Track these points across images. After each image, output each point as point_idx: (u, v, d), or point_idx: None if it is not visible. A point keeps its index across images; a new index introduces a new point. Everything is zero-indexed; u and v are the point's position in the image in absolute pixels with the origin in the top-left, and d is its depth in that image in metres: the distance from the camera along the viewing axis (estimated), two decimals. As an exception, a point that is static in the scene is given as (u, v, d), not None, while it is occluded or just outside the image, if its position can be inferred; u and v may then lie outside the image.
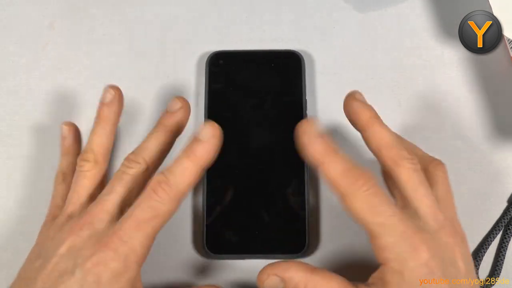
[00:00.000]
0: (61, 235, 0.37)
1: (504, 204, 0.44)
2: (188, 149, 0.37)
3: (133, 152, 0.39)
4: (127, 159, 0.39)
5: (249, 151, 0.44)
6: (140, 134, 0.46)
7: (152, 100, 0.47)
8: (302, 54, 0.47)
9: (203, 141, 0.37)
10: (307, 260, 0.43)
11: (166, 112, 0.41)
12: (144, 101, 0.47)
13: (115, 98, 0.42)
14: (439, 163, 0.39)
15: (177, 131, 0.41)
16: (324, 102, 0.47)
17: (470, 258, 0.36)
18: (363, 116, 0.38)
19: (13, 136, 0.47)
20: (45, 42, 0.49)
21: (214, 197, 0.43)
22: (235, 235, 0.42)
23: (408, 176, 0.36)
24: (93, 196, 0.39)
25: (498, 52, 0.46)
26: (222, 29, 0.49)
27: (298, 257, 0.42)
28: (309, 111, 0.45)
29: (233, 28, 0.49)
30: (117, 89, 0.42)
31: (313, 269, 0.36)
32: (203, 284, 0.42)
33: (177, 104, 0.41)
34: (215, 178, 0.44)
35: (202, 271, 0.43)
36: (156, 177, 0.36)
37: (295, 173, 0.43)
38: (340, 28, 0.49)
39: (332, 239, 0.43)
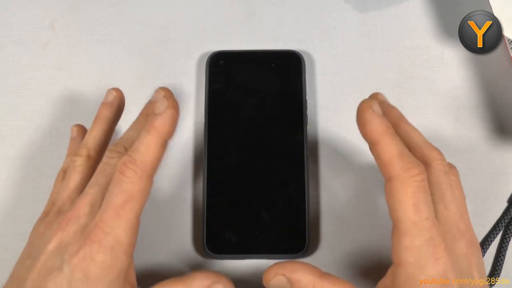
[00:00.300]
0: (50, 232, 0.36)
1: (504, 204, 0.44)
2: (147, 125, 0.37)
3: (114, 143, 0.39)
4: (108, 150, 0.38)
5: (249, 151, 0.44)
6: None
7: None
8: (302, 54, 0.47)
9: (159, 113, 0.37)
10: (307, 260, 0.43)
11: (148, 103, 0.41)
12: (144, 101, 0.47)
13: (115, 99, 0.42)
14: (451, 167, 0.38)
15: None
16: (324, 102, 0.47)
17: (484, 268, 0.35)
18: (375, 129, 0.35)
19: (13, 136, 0.47)
20: (45, 42, 0.49)
21: (214, 197, 0.43)
22: (235, 235, 0.42)
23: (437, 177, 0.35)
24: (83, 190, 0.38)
25: (498, 52, 0.46)
26: (222, 29, 0.49)
27: (298, 257, 0.42)
28: (309, 111, 0.45)
29: (233, 28, 0.49)
30: (118, 91, 0.43)
31: (321, 273, 0.35)
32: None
33: (160, 94, 0.40)
34: (215, 178, 0.43)
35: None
36: (122, 159, 0.36)
37: (295, 173, 0.43)
38: (340, 28, 0.49)
39: (332, 239, 0.43)
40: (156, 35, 0.49)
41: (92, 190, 0.37)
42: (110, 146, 0.39)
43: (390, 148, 0.34)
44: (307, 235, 0.42)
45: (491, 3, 0.42)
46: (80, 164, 0.39)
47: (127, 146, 0.38)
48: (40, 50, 0.49)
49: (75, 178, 0.39)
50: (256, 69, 0.46)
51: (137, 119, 0.41)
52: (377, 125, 0.34)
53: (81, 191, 0.38)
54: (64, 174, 0.42)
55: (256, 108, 0.45)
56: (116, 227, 0.35)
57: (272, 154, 0.44)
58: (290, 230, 0.42)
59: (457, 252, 0.33)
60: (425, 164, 0.35)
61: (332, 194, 0.44)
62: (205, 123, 0.45)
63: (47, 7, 0.50)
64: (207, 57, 0.47)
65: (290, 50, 0.47)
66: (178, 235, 0.44)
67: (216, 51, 0.47)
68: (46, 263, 0.35)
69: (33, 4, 0.50)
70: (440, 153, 0.36)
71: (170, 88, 0.47)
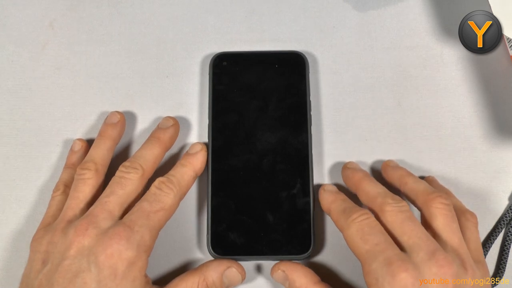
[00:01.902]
0: (66, 238, 0.38)
1: (505, 203, 0.44)
2: (183, 160, 0.43)
3: (129, 160, 0.42)
4: (123, 166, 0.41)
5: (253, 152, 0.44)
6: (139, 133, 0.47)
7: (151, 101, 0.47)
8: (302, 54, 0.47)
9: (195, 153, 0.43)
10: (312, 261, 0.43)
11: (159, 128, 0.45)
12: (143, 101, 0.47)
13: (120, 121, 0.45)
14: (471, 215, 0.41)
15: (169, 144, 0.45)
16: (324, 101, 0.47)
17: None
18: (354, 179, 0.43)
19: (12, 136, 0.47)
20: (45, 42, 0.49)
21: (219, 198, 0.43)
22: (240, 237, 0.42)
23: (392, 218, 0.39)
24: (91, 204, 0.40)
25: (498, 52, 0.47)
26: (221, 29, 0.49)
27: (303, 258, 0.42)
28: (312, 112, 0.45)
29: (232, 27, 0.49)
30: (121, 114, 0.46)
31: (317, 281, 0.40)
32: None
33: (170, 122, 0.45)
34: (220, 179, 0.43)
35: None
36: (159, 179, 0.41)
37: (300, 174, 0.43)
38: (340, 28, 0.49)
39: (337, 240, 0.43)
40: (155, 34, 0.49)
41: (109, 199, 0.39)
42: (124, 163, 0.42)
43: (335, 209, 0.41)
44: (312, 237, 0.42)
45: (491, 3, 0.42)
46: (89, 177, 0.41)
47: (143, 165, 0.41)
48: (39, 50, 0.49)
49: (84, 190, 0.41)
50: (260, 70, 0.46)
51: (149, 141, 0.44)
52: (326, 199, 0.42)
53: (89, 202, 0.41)
54: (64, 187, 0.43)
55: (260, 109, 0.45)
56: (144, 227, 0.38)
57: (276, 155, 0.44)
58: (295, 232, 0.42)
59: (421, 272, 0.35)
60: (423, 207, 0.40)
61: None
62: (209, 124, 0.45)
63: (46, 7, 0.50)
64: (208, 57, 0.47)
65: (294, 51, 0.47)
66: (183, 237, 0.44)
67: (220, 53, 0.47)
68: (71, 267, 0.36)
69: (32, 4, 0.50)
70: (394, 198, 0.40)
71: (171, 88, 0.47)
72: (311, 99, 0.46)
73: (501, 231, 0.44)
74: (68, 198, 0.41)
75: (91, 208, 0.39)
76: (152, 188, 0.40)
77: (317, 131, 0.46)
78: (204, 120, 0.46)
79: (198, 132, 0.46)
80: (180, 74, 0.48)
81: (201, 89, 0.47)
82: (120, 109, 0.47)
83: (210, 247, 0.42)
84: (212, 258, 0.42)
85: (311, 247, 0.42)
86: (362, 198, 0.41)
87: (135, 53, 0.49)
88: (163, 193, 0.40)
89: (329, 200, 0.42)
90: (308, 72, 0.46)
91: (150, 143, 0.43)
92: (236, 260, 0.42)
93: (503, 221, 0.44)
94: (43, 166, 0.46)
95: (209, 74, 0.46)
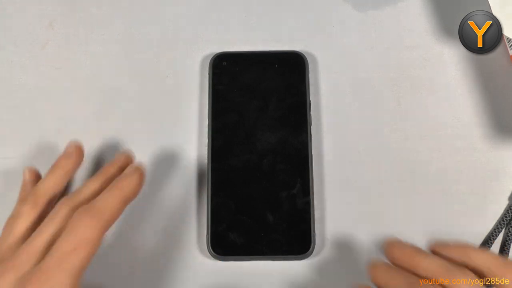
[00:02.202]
0: None
1: (505, 203, 0.44)
2: (113, 183, 0.39)
3: (66, 196, 0.40)
4: (60, 201, 0.39)
5: (253, 153, 0.44)
6: (139, 134, 0.46)
7: (151, 101, 0.47)
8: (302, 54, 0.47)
9: (125, 175, 0.39)
10: (311, 261, 0.43)
11: (108, 164, 0.43)
12: (143, 101, 0.47)
13: (75, 152, 0.43)
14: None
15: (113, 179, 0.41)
16: (324, 101, 0.47)
17: None
18: (405, 256, 0.37)
19: (11, 137, 0.47)
20: (45, 42, 0.49)
21: (219, 198, 0.43)
22: (240, 237, 0.42)
23: None
24: (27, 238, 0.38)
25: (498, 52, 0.47)
26: (221, 29, 0.49)
27: (303, 258, 0.42)
28: (312, 112, 0.45)
29: (232, 27, 0.49)
30: (78, 146, 0.44)
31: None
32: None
33: (121, 157, 0.43)
34: (220, 179, 0.43)
35: (207, 273, 0.43)
36: (78, 210, 0.36)
37: (300, 175, 0.43)
38: (340, 28, 0.49)
39: (337, 240, 0.43)
40: (155, 34, 0.49)
41: (36, 239, 0.37)
42: (62, 199, 0.39)
43: (399, 286, 0.35)
44: (312, 237, 0.42)
45: (490, 3, 0.42)
46: (26, 211, 0.39)
47: (81, 199, 0.39)
48: (39, 50, 0.49)
49: (20, 227, 0.39)
50: (260, 70, 0.46)
51: (95, 177, 0.41)
52: (380, 278, 0.36)
53: (24, 238, 0.38)
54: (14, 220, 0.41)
55: (260, 109, 0.45)
56: (60, 272, 0.34)
57: (276, 155, 0.44)
58: (295, 232, 0.42)
59: None
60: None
61: (337, 195, 0.45)
62: (208, 124, 0.45)
63: (47, 7, 0.50)
64: (208, 57, 0.47)
65: (293, 51, 0.47)
66: (183, 237, 0.44)
67: (219, 53, 0.47)
68: None
69: (32, 4, 0.50)
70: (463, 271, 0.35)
71: (170, 88, 0.47)
72: (311, 99, 0.46)
73: (501, 231, 0.44)
74: (7, 235, 0.39)
75: (18, 249, 0.37)
76: (70, 221, 0.36)
77: (317, 131, 0.46)
78: (204, 120, 0.46)
79: (198, 132, 0.46)
80: (180, 74, 0.48)
81: (201, 89, 0.47)
82: (120, 109, 0.47)
83: (210, 247, 0.42)
84: (212, 258, 0.42)
85: (311, 247, 0.42)
86: (422, 274, 0.36)
87: (135, 53, 0.49)
88: (81, 226, 0.35)
89: (386, 277, 0.36)
90: (308, 72, 0.46)
91: (95, 179, 0.41)
92: (236, 260, 0.42)
93: (503, 221, 0.44)
94: (43, 167, 0.46)
95: (209, 74, 0.46)
